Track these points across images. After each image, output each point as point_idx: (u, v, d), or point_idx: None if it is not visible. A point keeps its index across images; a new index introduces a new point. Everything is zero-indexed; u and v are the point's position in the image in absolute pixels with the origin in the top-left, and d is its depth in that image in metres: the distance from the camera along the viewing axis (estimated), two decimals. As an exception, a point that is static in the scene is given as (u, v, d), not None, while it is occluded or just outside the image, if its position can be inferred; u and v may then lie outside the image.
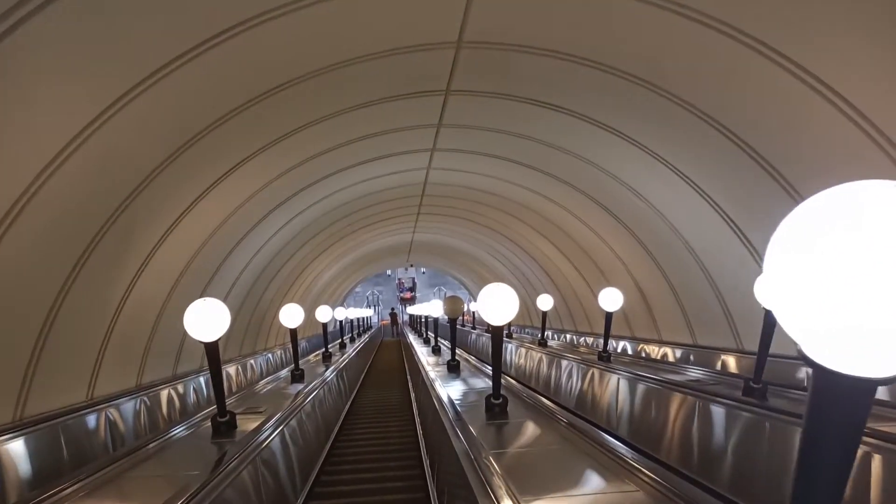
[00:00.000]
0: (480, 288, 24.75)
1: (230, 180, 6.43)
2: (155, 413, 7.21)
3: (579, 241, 10.86)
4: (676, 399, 4.63)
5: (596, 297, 12.12)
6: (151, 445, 3.69)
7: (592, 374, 6.85)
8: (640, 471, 2.67)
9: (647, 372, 5.99)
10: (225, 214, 7.31)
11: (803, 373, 5.84)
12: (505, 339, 13.46)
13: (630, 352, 10.60)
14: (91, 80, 3.75)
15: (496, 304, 3.73)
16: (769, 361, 6.98)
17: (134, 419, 6.71)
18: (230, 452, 3.47)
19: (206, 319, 3.66)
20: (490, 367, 7.61)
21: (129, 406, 6.57)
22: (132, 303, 6.17)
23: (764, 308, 3.99)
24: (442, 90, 6.35)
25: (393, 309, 40.45)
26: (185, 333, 4.52)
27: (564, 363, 8.19)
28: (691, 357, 8.42)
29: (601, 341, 12.66)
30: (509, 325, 18.24)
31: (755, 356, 7.15)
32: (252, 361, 12.11)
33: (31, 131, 3.67)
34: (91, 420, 5.68)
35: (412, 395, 9.75)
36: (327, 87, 5.64)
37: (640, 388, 5.43)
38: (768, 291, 0.90)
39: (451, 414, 4.31)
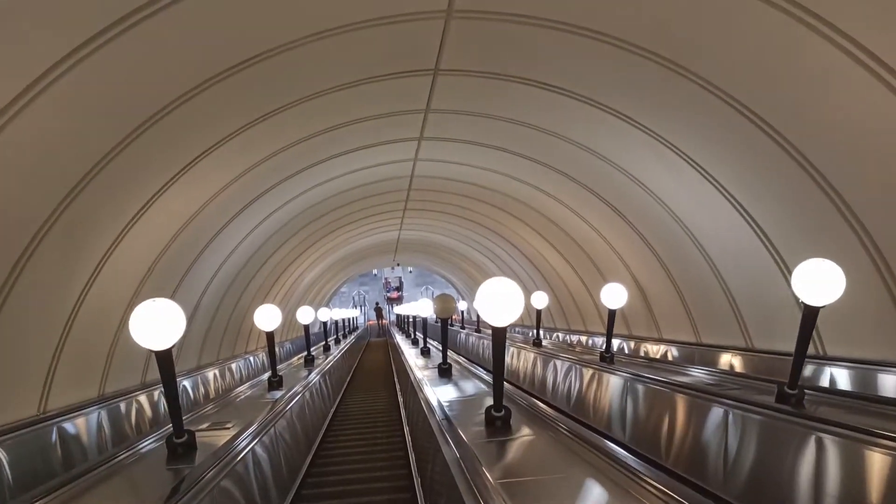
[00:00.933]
0: (469, 287, 24.27)
1: (198, 170, 5.84)
2: (121, 425, 6.60)
3: (574, 236, 10.37)
4: (700, 407, 4.13)
5: (591, 293, 11.68)
6: (93, 474, 3.12)
7: (596, 376, 6.35)
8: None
9: (655, 374, 5.50)
10: (195, 208, 6.72)
11: (827, 374, 5.38)
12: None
13: (627, 351, 10.13)
14: (14, 45, 3.17)
15: (498, 301, 3.21)
16: (779, 361, 6.56)
17: (97, 433, 6.10)
18: (186, 482, 2.92)
19: (157, 324, 3.10)
20: (483, 370, 7.10)
21: (89, 419, 5.97)
22: (89, 306, 5.57)
23: (802, 302, 3.50)
24: (430, 69, 5.82)
25: (378, 304, 40.04)
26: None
27: (563, 364, 7.69)
28: (696, 356, 7.96)
29: (596, 340, 12.26)
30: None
31: (768, 355, 6.74)
32: (234, 365, 11.50)
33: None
34: (42, 437, 5.07)
35: (400, 399, 9.22)
36: (302, 64, 5.09)
37: (655, 393, 4.93)
38: None
39: (445, 426, 3.79)
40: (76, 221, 4.69)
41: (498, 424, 3.45)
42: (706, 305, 7.69)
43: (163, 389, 3.20)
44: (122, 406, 6.75)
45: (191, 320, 8.79)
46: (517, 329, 17.15)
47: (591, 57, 5.17)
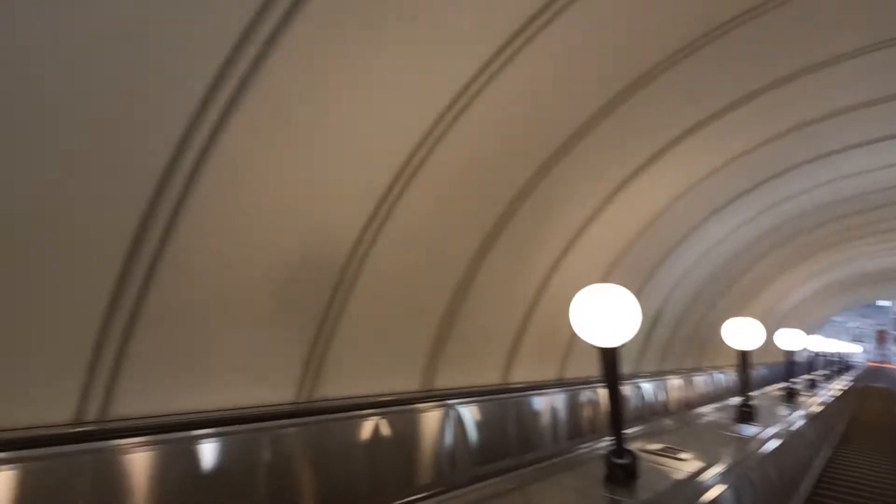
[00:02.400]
0: None
1: (675, 153, 5.13)
2: (578, 412, 6.53)
3: None
4: None
5: None
6: (535, 468, 2.74)
7: None
8: None
9: None
10: (669, 197, 6.04)
11: None
12: None
13: None
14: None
15: None
16: None
17: (551, 413, 6.08)
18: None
19: (606, 316, 2.51)
20: None
21: (549, 399, 5.99)
22: (556, 285, 5.47)
23: None
24: None
25: (884, 329, 33.79)
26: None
27: None
28: None
29: None
30: None
31: None
32: (695, 378, 10.63)
33: (437, 71, 3.14)
34: (503, 404, 5.22)
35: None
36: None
37: None
38: None
39: None
40: (544, 199, 4.53)
41: None
42: None
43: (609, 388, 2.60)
44: (582, 395, 6.66)
45: (655, 322, 8.23)
46: None
47: None
